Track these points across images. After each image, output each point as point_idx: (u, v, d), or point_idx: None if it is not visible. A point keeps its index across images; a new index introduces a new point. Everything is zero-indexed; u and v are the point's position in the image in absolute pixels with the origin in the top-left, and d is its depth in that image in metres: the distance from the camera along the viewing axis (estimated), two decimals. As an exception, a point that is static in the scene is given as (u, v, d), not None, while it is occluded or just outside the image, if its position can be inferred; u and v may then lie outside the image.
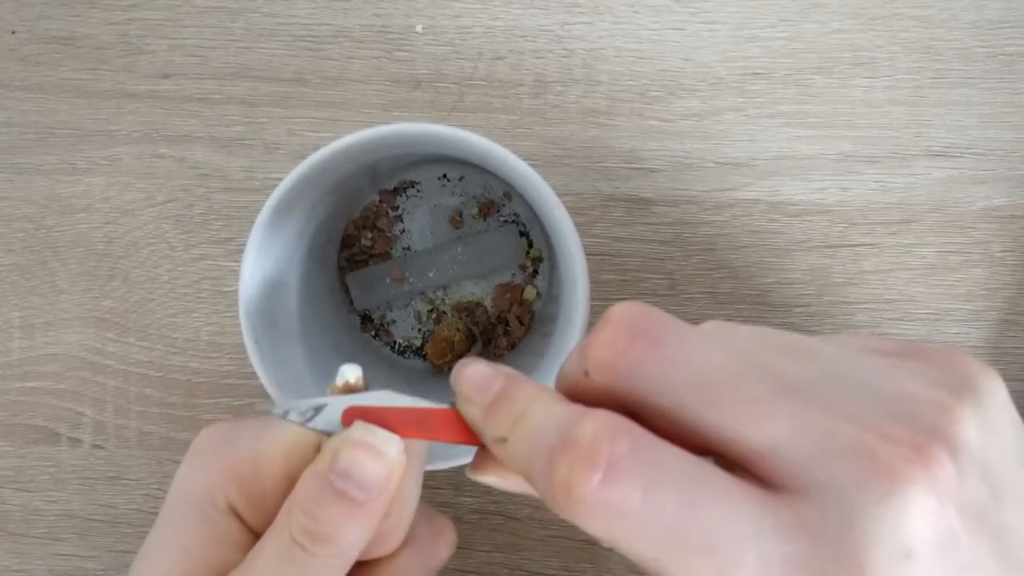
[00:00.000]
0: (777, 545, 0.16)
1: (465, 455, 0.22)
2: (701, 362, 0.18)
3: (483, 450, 0.21)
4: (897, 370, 0.18)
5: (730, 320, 0.20)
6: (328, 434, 0.22)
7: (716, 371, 0.18)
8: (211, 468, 0.24)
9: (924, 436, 0.16)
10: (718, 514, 0.16)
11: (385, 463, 0.21)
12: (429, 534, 0.25)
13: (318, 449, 0.23)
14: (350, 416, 0.21)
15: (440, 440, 0.21)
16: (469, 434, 0.21)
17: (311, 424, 0.21)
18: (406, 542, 0.24)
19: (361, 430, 0.21)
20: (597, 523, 0.17)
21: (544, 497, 0.18)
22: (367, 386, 0.22)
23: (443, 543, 0.26)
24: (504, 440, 0.19)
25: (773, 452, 0.17)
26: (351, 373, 0.22)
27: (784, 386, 0.17)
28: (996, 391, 0.18)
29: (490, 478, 0.21)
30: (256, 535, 0.23)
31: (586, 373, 0.19)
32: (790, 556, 0.16)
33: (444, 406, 0.21)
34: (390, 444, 0.21)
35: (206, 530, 0.23)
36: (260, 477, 0.23)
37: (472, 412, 0.20)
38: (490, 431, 0.20)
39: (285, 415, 0.21)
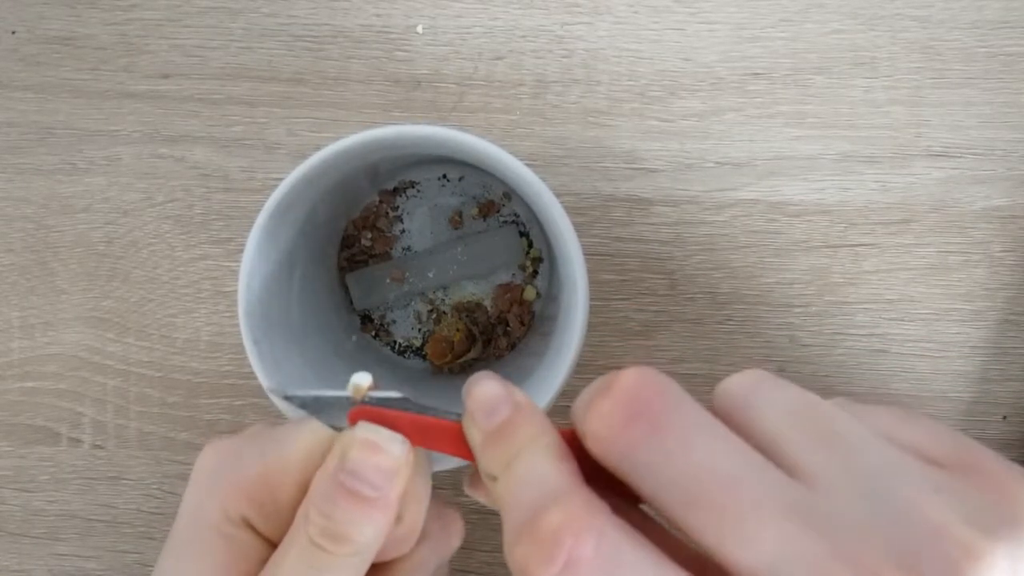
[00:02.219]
0: None
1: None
2: (697, 463, 0.16)
3: (477, 469, 0.21)
4: (936, 492, 0.16)
5: (767, 372, 0.19)
6: (334, 428, 0.22)
7: (710, 476, 0.16)
8: (221, 489, 0.24)
9: None
10: None
11: (392, 459, 0.21)
12: (440, 527, 0.26)
13: (325, 456, 0.23)
14: (355, 417, 0.22)
15: (439, 451, 0.21)
16: (468, 451, 0.21)
17: (319, 417, 0.22)
18: (419, 537, 0.24)
19: (365, 429, 0.21)
20: None
21: (507, 563, 0.17)
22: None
23: (454, 533, 0.26)
24: (495, 479, 0.19)
25: (755, 574, 0.16)
26: (362, 380, 0.22)
27: (787, 503, 0.16)
28: None
29: (482, 499, 0.21)
30: (273, 545, 0.23)
31: (583, 436, 0.18)
32: None
33: (451, 418, 0.21)
34: (394, 442, 0.21)
35: (226, 548, 0.23)
36: (272, 491, 0.23)
37: (474, 436, 0.20)
38: (484, 465, 0.20)
39: (295, 400, 0.22)
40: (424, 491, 0.24)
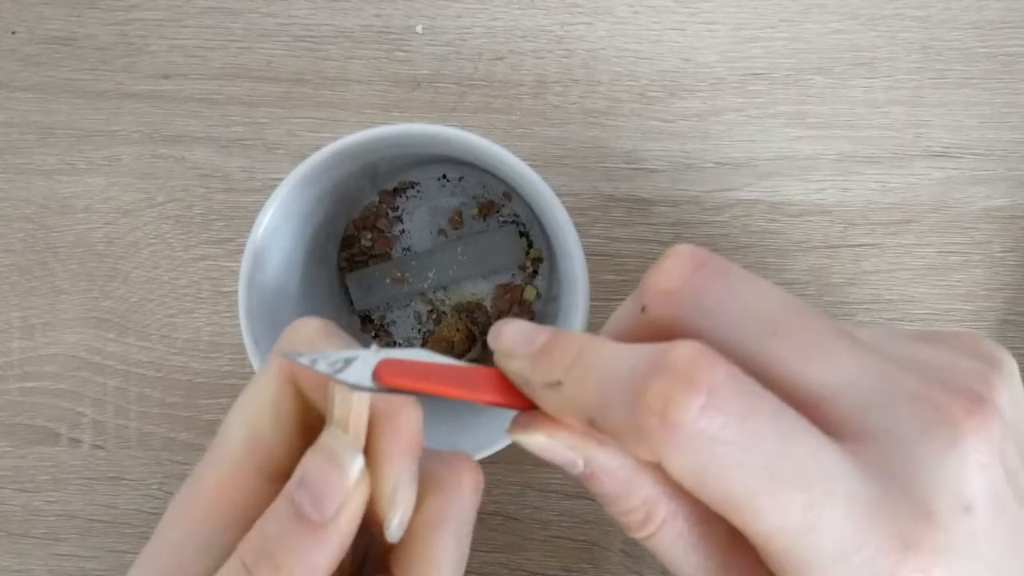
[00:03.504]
0: (860, 485, 0.16)
1: (465, 449, 0.22)
2: (766, 296, 0.17)
3: (525, 411, 0.19)
4: (931, 346, 0.19)
5: None
6: (356, 387, 0.19)
7: (782, 306, 0.17)
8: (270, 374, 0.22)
9: (979, 395, 0.17)
10: (810, 450, 0.16)
11: (344, 481, 0.19)
12: (449, 473, 0.21)
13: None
14: (383, 369, 0.19)
15: (480, 400, 0.19)
16: (512, 394, 0.19)
17: (341, 376, 0.19)
18: (428, 487, 0.21)
19: (329, 436, 0.19)
20: (691, 452, 0.16)
21: (620, 432, 0.16)
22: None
23: (466, 482, 0.21)
24: (558, 383, 0.18)
25: (838, 393, 0.17)
26: (376, 356, 0.19)
27: (847, 333, 0.17)
28: (1015, 368, 0.19)
29: (536, 436, 0.19)
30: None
31: (643, 309, 0.18)
32: (871, 497, 0.16)
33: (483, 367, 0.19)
34: (355, 461, 0.19)
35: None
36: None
37: (516, 365, 0.19)
38: (540, 376, 0.18)
39: (313, 363, 0.19)
40: (408, 442, 0.20)
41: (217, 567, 0.20)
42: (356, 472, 0.19)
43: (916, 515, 0.16)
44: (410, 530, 0.20)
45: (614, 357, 0.17)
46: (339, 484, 0.19)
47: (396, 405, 0.20)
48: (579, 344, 0.18)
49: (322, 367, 0.19)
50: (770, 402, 0.16)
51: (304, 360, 0.19)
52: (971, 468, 0.16)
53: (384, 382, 0.19)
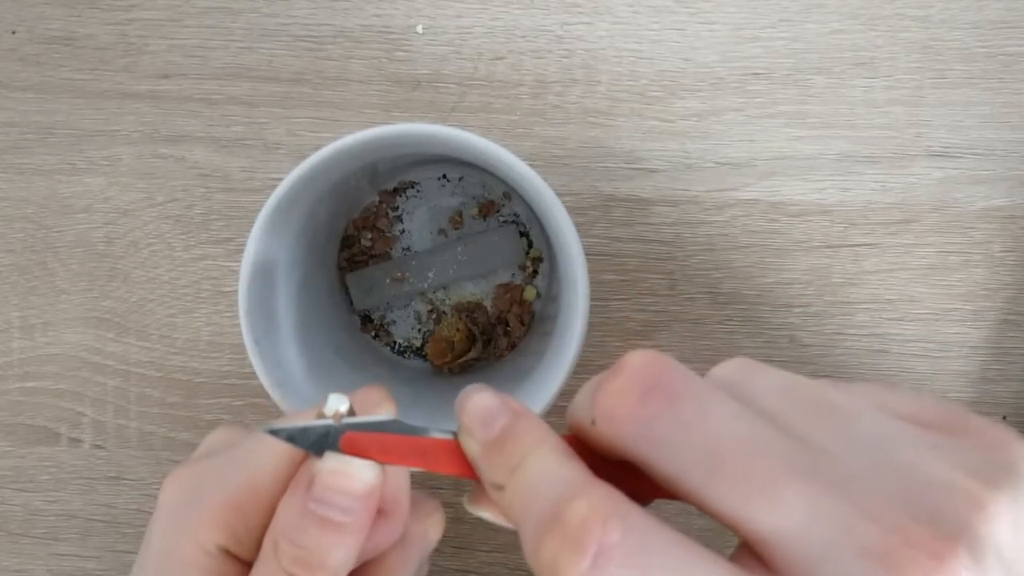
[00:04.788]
0: None
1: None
2: (717, 430, 0.16)
3: (478, 484, 0.20)
4: (933, 450, 0.17)
5: (753, 359, 0.19)
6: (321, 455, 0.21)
7: (732, 442, 0.16)
8: (191, 523, 0.23)
9: (949, 539, 0.15)
10: None
11: (362, 484, 0.20)
12: (416, 522, 0.25)
13: (292, 472, 0.22)
14: (346, 445, 0.20)
15: (440, 472, 0.20)
16: (468, 469, 0.20)
17: (309, 449, 0.21)
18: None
19: (334, 460, 0.20)
20: None
21: (531, 567, 0.17)
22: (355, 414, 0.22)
23: (431, 526, 0.25)
24: (501, 488, 0.18)
25: (782, 540, 0.16)
26: (340, 405, 0.21)
27: (805, 466, 0.16)
28: None
29: (486, 514, 0.20)
30: (250, 566, 0.23)
31: (593, 422, 0.18)
32: None
33: (446, 436, 0.20)
34: (366, 470, 0.20)
35: None
36: (244, 517, 0.23)
37: (472, 448, 0.19)
38: (488, 474, 0.19)
39: (280, 435, 0.21)
40: (404, 487, 0.23)
41: None
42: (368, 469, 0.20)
43: None
44: (372, 570, 0.24)
45: (539, 484, 0.17)
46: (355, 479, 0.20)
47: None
48: (525, 448, 0.18)
49: (284, 437, 0.20)
50: (670, 560, 0.16)
51: (281, 435, 0.21)
52: None
53: (348, 453, 0.21)
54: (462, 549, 0.38)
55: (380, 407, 0.24)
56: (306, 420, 0.21)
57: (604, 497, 0.16)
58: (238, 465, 0.23)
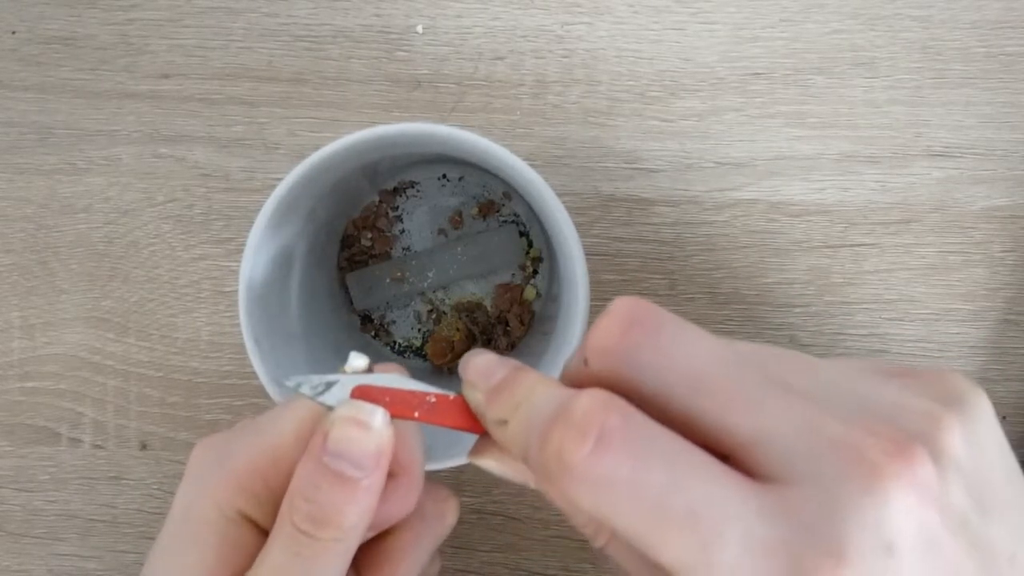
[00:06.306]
0: (760, 527, 0.16)
1: (463, 455, 0.22)
2: (695, 353, 0.18)
3: (484, 436, 0.22)
4: (888, 383, 0.19)
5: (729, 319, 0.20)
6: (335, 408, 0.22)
7: (709, 362, 0.18)
8: (212, 485, 0.24)
9: (909, 437, 0.17)
10: (703, 491, 0.17)
11: (374, 437, 0.21)
12: (433, 502, 0.26)
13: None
14: (358, 395, 0.22)
15: (443, 425, 0.22)
16: (472, 421, 0.21)
17: (321, 398, 0.22)
18: (414, 513, 0.25)
19: (347, 406, 0.22)
20: (585, 492, 0.17)
21: (537, 472, 0.18)
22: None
23: (448, 510, 0.27)
24: (505, 422, 0.20)
25: (759, 442, 0.17)
26: (359, 361, 0.22)
27: (775, 382, 0.18)
28: (984, 409, 0.18)
29: (488, 462, 0.22)
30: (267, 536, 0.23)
31: (585, 361, 0.19)
32: (772, 539, 0.16)
33: (450, 393, 0.22)
34: (375, 415, 0.22)
35: (218, 543, 0.23)
36: (265, 480, 0.23)
37: (476, 397, 0.21)
38: (492, 413, 0.20)
39: (297, 387, 0.22)
40: (418, 450, 0.24)
41: None
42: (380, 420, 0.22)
43: (821, 554, 0.16)
44: (388, 546, 0.25)
45: (541, 404, 0.19)
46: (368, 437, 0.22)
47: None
48: (527, 386, 0.20)
49: (305, 390, 0.22)
50: (667, 444, 0.17)
51: (290, 383, 0.22)
52: (893, 510, 0.16)
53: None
54: (462, 549, 0.38)
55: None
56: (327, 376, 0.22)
57: (602, 392, 0.18)
58: (262, 432, 0.24)
